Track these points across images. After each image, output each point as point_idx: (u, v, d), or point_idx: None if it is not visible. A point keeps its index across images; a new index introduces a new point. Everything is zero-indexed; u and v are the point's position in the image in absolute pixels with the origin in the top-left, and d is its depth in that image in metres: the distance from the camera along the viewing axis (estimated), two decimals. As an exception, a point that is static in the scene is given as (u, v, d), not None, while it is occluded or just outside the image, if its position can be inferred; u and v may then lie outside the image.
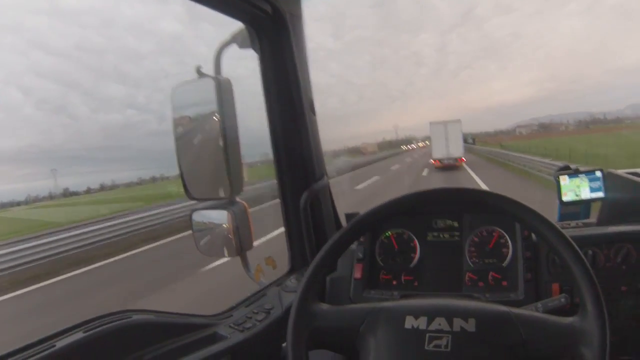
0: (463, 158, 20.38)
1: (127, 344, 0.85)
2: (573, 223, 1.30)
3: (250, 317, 1.05)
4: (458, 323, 0.69)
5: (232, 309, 1.11)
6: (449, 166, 19.62)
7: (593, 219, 1.34)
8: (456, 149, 20.41)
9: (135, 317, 0.89)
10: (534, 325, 0.68)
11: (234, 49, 1.16)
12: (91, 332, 0.81)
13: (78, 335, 0.80)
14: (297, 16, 1.20)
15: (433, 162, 20.66)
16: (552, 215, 1.46)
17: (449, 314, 0.70)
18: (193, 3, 0.96)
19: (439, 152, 20.44)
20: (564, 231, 0.71)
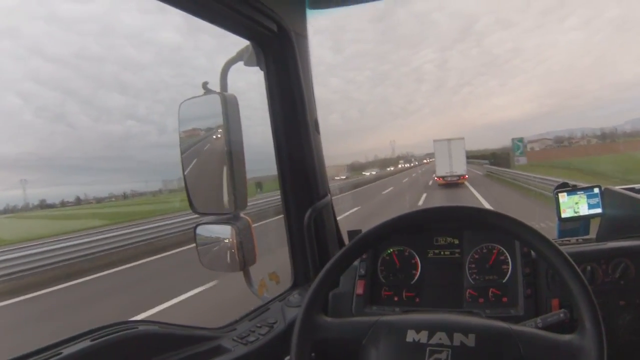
0: (466, 175, 20.39)
1: (132, 354, 0.86)
2: (573, 239, 1.31)
3: (254, 331, 1.06)
4: (458, 338, 0.70)
5: (235, 322, 1.12)
6: (452, 183, 19.60)
7: (592, 235, 1.35)
8: (459, 166, 20.45)
9: (141, 327, 0.90)
10: (533, 341, 0.69)
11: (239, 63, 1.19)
12: (97, 341, 0.82)
13: (85, 343, 0.81)
14: (302, 35, 1.23)
15: (437, 179, 20.69)
16: (551, 232, 1.47)
17: (450, 329, 0.71)
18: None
19: (442, 169, 20.49)
20: (562, 249, 0.73)
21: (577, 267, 0.71)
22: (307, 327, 0.78)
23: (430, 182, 21.35)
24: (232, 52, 1.20)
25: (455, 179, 20.00)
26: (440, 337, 0.71)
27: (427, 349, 0.70)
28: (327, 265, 0.83)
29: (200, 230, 1.11)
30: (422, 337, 0.71)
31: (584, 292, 0.68)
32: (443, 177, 20.27)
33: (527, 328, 0.73)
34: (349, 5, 1.28)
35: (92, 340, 0.82)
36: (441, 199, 14.99)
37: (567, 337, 0.68)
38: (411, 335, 0.72)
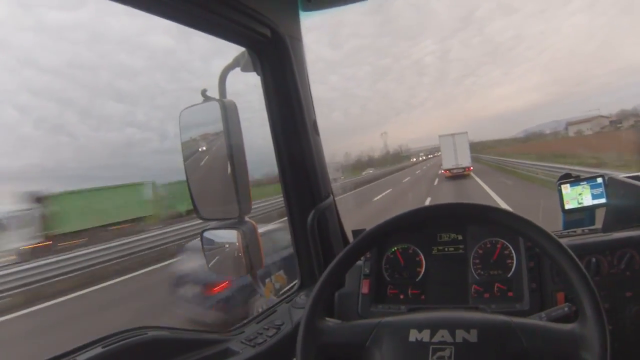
0: (471, 167, 20.74)
1: (144, 359, 0.88)
2: (579, 230, 1.30)
3: (261, 333, 1.07)
4: (460, 334, 0.71)
5: (243, 325, 1.13)
6: (459, 175, 19.89)
7: (599, 225, 1.34)
8: (464, 159, 20.85)
9: (151, 333, 0.92)
10: (535, 333, 0.69)
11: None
12: (109, 347, 0.84)
13: (97, 350, 0.83)
14: (297, 39, 1.24)
15: (443, 171, 21.09)
16: (556, 223, 1.46)
17: (452, 326, 0.72)
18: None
19: (448, 162, 20.88)
20: (560, 240, 0.73)
21: (575, 257, 0.71)
22: (310, 332, 0.79)
23: (441, 171, 21.16)
24: (228, 54, 1.20)
25: (460, 170, 20.37)
26: (443, 334, 0.71)
27: (430, 347, 0.71)
28: (330, 266, 0.84)
29: (207, 235, 1.12)
30: (425, 336, 0.72)
31: (583, 281, 0.68)
32: (449, 170, 20.64)
33: (528, 320, 0.73)
34: (341, 5, 1.28)
35: (103, 347, 0.84)
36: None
37: (568, 326, 0.69)
38: (414, 335, 0.73)
